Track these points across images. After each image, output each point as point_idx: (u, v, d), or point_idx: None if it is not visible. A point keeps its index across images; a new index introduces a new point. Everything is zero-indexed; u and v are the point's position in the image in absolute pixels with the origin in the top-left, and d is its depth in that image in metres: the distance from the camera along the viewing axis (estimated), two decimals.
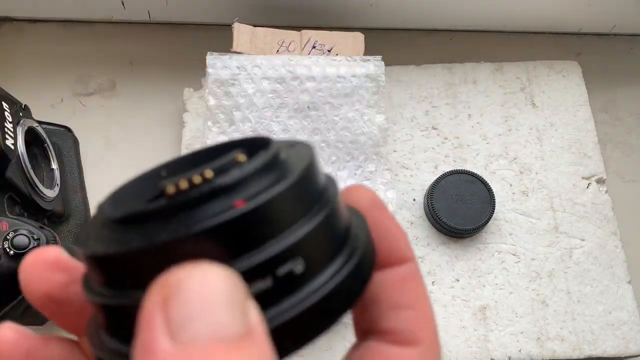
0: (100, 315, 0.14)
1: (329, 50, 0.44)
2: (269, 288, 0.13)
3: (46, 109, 0.48)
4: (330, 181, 0.16)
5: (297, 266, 0.13)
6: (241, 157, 0.14)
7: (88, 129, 0.47)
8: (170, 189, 0.13)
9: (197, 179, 0.13)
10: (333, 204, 0.15)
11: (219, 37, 0.46)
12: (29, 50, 0.50)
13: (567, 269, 0.44)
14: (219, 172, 0.13)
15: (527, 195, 0.46)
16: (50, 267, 0.16)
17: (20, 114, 0.38)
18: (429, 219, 0.44)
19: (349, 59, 0.43)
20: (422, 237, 0.44)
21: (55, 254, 0.16)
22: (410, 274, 0.17)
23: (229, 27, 0.43)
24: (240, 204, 0.13)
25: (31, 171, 0.37)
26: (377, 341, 0.16)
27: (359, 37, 0.44)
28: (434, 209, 0.43)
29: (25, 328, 0.16)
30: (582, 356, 0.42)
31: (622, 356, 0.42)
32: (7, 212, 0.35)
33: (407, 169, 0.46)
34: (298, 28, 0.44)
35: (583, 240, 0.45)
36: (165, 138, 0.47)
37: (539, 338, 0.42)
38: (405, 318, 0.16)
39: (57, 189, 0.41)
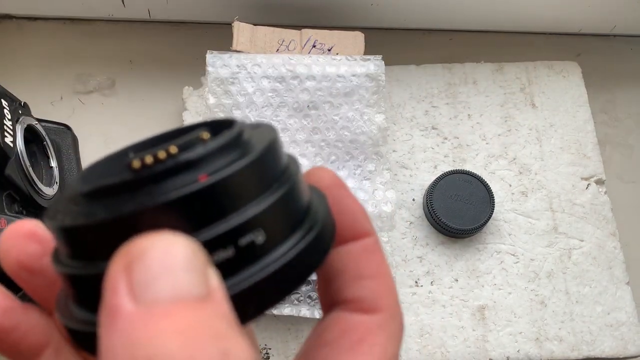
0: (68, 286, 0.15)
1: (329, 50, 0.44)
2: (231, 257, 0.13)
3: (46, 106, 0.48)
4: (292, 160, 0.17)
5: (258, 237, 0.14)
6: (205, 135, 0.15)
7: (87, 127, 0.47)
8: (136, 164, 0.13)
9: (162, 154, 0.14)
10: (293, 181, 0.15)
11: (218, 36, 0.46)
12: (28, 47, 0.50)
13: (566, 269, 0.44)
14: (183, 148, 0.14)
15: (527, 196, 0.46)
16: (26, 237, 0.16)
17: (20, 112, 0.38)
18: (428, 219, 0.44)
19: (349, 58, 0.43)
20: (421, 237, 0.44)
21: (32, 226, 0.16)
22: (371, 246, 0.18)
23: (229, 25, 0.42)
24: (203, 178, 0.13)
25: (30, 169, 0.37)
26: (340, 311, 0.17)
27: (359, 37, 0.44)
28: (433, 209, 0.43)
29: (9, 292, 0.17)
30: (580, 357, 0.42)
31: (621, 357, 0.42)
32: (5, 210, 0.35)
33: (406, 168, 0.46)
34: (298, 27, 0.44)
35: (582, 241, 0.45)
36: None
37: (537, 338, 0.42)
38: (367, 287, 0.17)
39: (56, 187, 0.40)
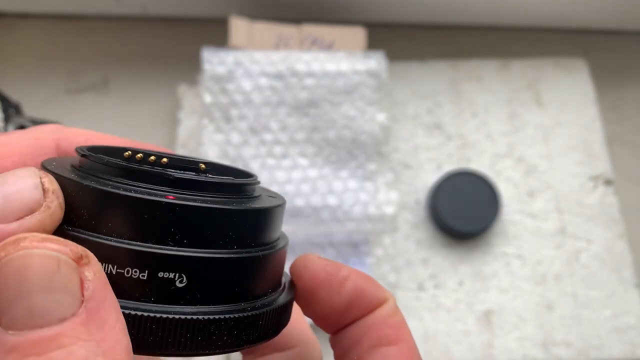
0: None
1: (329, 46, 0.42)
2: (144, 281, 0.14)
3: (38, 106, 0.47)
4: (284, 240, 0.17)
5: (179, 280, 0.14)
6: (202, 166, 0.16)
7: (80, 126, 0.46)
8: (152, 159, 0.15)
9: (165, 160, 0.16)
10: (259, 258, 0.16)
11: (215, 32, 0.45)
12: (20, 46, 0.49)
13: (574, 272, 0.43)
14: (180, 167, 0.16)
15: (533, 197, 0.45)
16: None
17: (12, 112, 0.37)
18: (432, 221, 0.43)
19: (350, 54, 0.42)
20: (424, 239, 0.43)
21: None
22: (388, 310, 0.17)
23: (225, 21, 0.42)
24: (170, 197, 0.14)
25: None
26: None
27: (360, 32, 0.43)
28: (437, 210, 0.42)
29: None
30: None
31: None
32: None
33: (409, 168, 0.45)
34: (297, 21, 0.42)
35: (590, 242, 0.44)
36: (160, 136, 0.46)
37: (544, 343, 0.41)
38: (387, 355, 0.16)
39: None
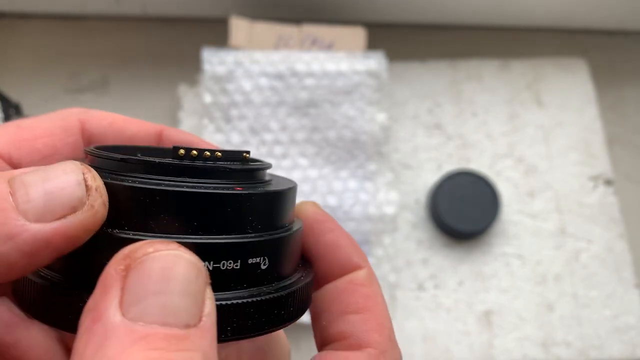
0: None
1: (329, 46, 0.42)
2: (236, 270, 0.14)
3: (38, 105, 0.47)
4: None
5: (264, 262, 0.15)
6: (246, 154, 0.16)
7: None
8: (181, 152, 0.15)
9: (206, 154, 0.15)
10: (300, 232, 0.17)
11: (215, 32, 0.45)
12: (20, 46, 0.49)
13: (574, 272, 0.43)
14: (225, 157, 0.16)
15: (533, 197, 0.45)
16: None
17: (12, 112, 0.37)
18: (432, 221, 0.43)
19: (350, 54, 0.42)
20: (424, 239, 0.43)
21: None
22: (360, 279, 0.17)
23: (225, 21, 0.41)
24: (238, 189, 0.15)
25: None
26: (327, 349, 0.17)
27: (360, 32, 0.43)
28: (437, 210, 0.42)
29: (14, 306, 0.16)
30: None
31: None
32: None
33: (409, 169, 0.45)
34: (297, 21, 0.42)
35: (590, 242, 0.44)
36: None
37: (544, 343, 0.41)
38: (353, 322, 0.16)
39: None
